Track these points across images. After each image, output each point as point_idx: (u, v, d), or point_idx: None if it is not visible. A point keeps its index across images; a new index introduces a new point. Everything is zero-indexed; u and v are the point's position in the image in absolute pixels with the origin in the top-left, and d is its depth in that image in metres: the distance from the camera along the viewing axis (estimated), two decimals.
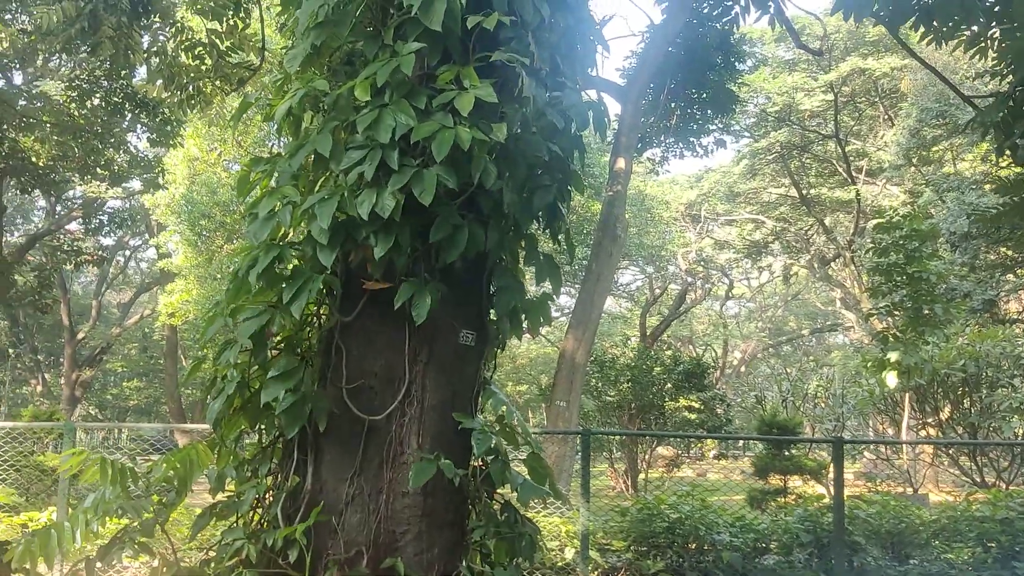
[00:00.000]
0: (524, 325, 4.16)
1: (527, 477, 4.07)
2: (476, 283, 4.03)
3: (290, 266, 3.95)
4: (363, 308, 3.87)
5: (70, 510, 6.57)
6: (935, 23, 6.91)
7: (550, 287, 4.20)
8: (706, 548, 7.93)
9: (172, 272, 22.25)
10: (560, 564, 7.25)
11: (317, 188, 4.00)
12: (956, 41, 7.08)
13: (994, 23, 6.81)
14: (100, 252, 26.21)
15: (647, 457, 18.47)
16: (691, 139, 17.44)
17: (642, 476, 17.99)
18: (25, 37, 12.85)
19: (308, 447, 3.89)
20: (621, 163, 11.81)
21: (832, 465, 8.17)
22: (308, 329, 4.06)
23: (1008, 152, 6.70)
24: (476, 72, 3.73)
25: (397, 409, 3.82)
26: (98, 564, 3.76)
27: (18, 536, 6.95)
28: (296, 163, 3.88)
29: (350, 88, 3.76)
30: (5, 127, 15.40)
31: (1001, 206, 8.71)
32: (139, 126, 16.23)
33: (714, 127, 17.96)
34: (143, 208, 24.11)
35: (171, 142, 16.16)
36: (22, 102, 16.04)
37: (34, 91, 16.41)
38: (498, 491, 4.16)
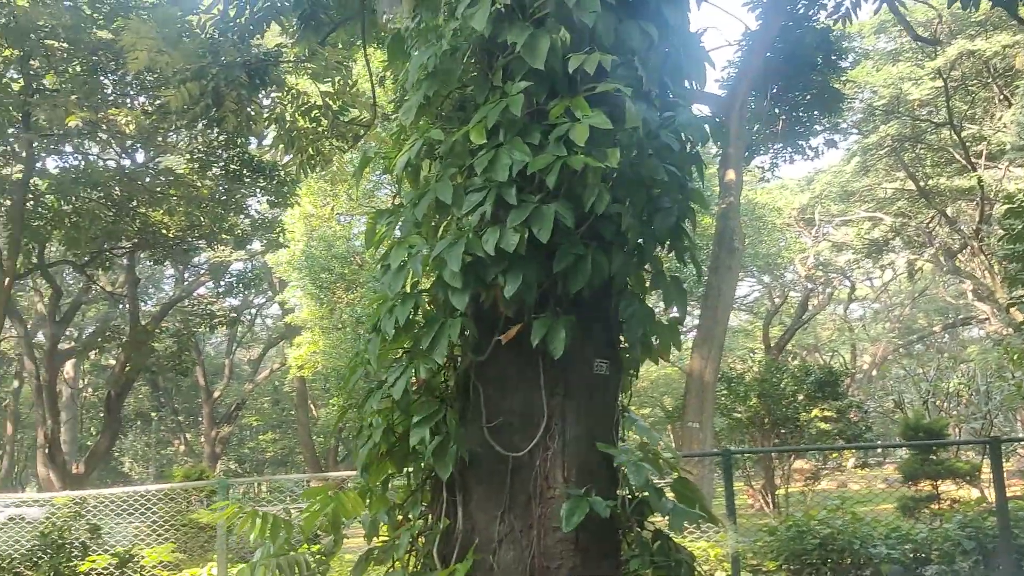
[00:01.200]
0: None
1: (676, 503, 4.00)
2: (604, 311, 4.02)
3: (421, 313, 4.04)
4: (495, 347, 3.92)
5: (229, 564, 6.87)
6: None
7: (677, 311, 4.17)
8: (862, 563, 7.63)
9: (297, 326, 23.07)
10: None
11: (440, 234, 4.09)
12: None
13: None
14: (230, 313, 27.41)
15: (784, 472, 17.93)
16: (800, 142, 17.04)
17: (780, 492, 17.46)
18: (147, 118, 13.68)
19: (456, 488, 3.94)
20: (731, 174, 11.63)
21: (989, 466, 7.74)
22: (445, 371, 4.13)
23: None
24: (586, 102, 3.76)
25: (539, 444, 3.83)
26: None
27: None
28: (420, 211, 3.98)
29: (464, 134, 3.84)
30: (135, 203, 16.41)
31: None
32: (257, 190, 17.00)
33: (822, 127, 17.49)
34: (265, 267, 25.13)
35: (288, 202, 16.86)
36: (147, 179, 17.01)
37: (159, 167, 17.41)
38: (648, 519, 4.12)
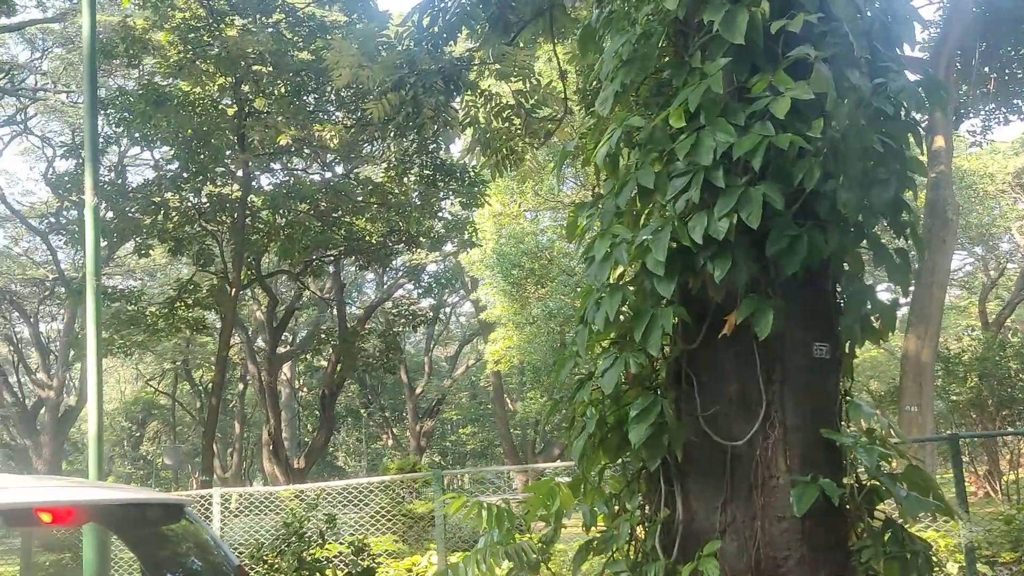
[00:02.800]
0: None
1: (909, 491, 3.78)
2: (822, 293, 3.86)
3: (629, 303, 4.02)
4: (707, 334, 3.84)
5: (447, 552, 7.15)
6: None
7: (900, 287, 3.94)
8: None
9: (491, 322, 23.67)
10: None
11: (643, 222, 4.06)
12: None
13: None
14: (428, 312, 28.56)
15: (1012, 457, 16.57)
16: (1014, 100, 15.64)
17: (1006, 478, 16.13)
18: (347, 131, 14.48)
19: (673, 478, 3.91)
20: (940, 141, 10.85)
21: None
22: (656, 361, 4.10)
23: None
24: (790, 75, 3.62)
25: (758, 432, 3.72)
26: None
27: None
28: (622, 200, 3.96)
29: (664, 118, 3.79)
30: (340, 213, 17.42)
31: None
32: (450, 193, 17.62)
33: None
34: (458, 266, 25.97)
35: (478, 202, 17.36)
36: (349, 189, 17.99)
37: (359, 177, 18.38)
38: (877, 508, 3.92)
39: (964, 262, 38.92)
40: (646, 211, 4.10)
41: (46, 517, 2.72)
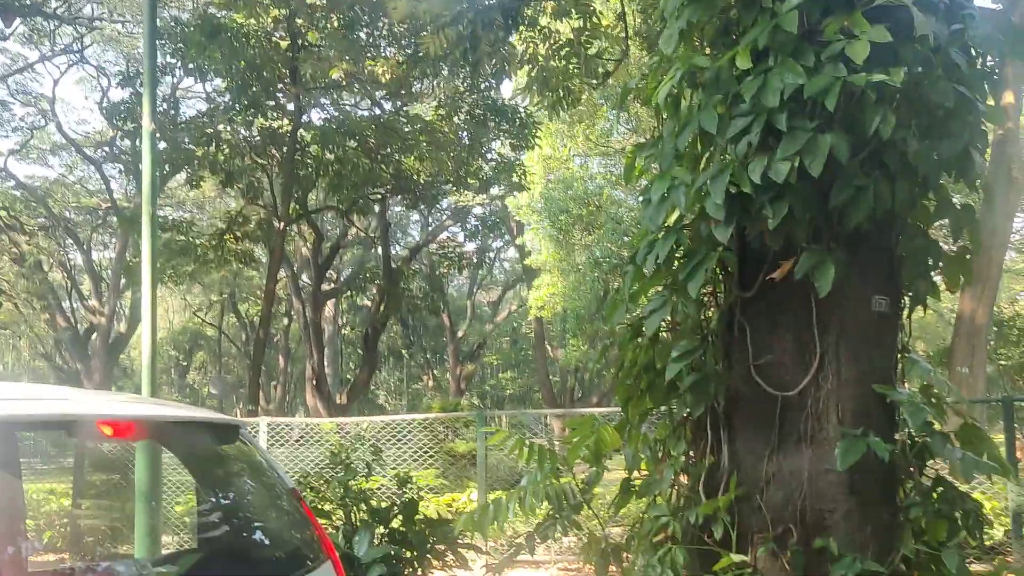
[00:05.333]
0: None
1: (963, 451, 3.71)
2: (884, 245, 3.76)
3: (683, 248, 3.96)
4: (762, 283, 3.77)
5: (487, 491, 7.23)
6: None
7: (968, 241, 3.82)
8: None
9: (536, 268, 23.62)
10: (989, 544, 6.58)
11: (703, 166, 3.97)
12: None
13: None
14: (473, 255, 28.60)
15: None
16: None
17: None
18: (400, 67, 14.36)
19: (720, 425, 3.88)
20: (1009, 96, 10.44)
21: None
22: (708, 308, 4.05)
23: None
24: (865, 18, 3.48)
25: (811, 384, 3.67)
26: (536, 540, 4.06)
27: (447, 514, 7.77)
28: (682, 143, 3.87)
29: (730, 59, 3.67)
30: (389, 150, 17.39)
31: None
32: (501, 133, 17.45)
33: None
34: (504, 210, 25.88)
35: (529, 144, 17.19)
36: (399, 127, 17.93)
37: (409, 115, 18.29)
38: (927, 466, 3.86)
39: (1022, 224, 37.91)
40: (706, 155, 4.00)
41: (107, 430, 2.76)
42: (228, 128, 17.22)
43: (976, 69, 3.76)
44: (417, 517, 5.89)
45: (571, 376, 32.14)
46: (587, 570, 6.35)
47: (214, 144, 16.73)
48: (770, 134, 3.50)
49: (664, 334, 4.05)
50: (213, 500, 3.35)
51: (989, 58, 3.97)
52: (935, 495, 3.74)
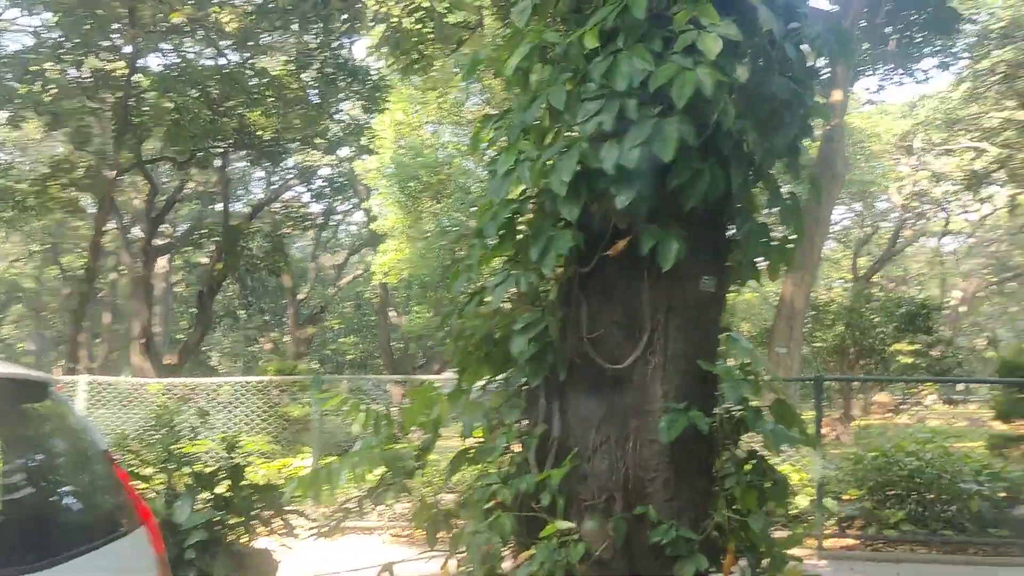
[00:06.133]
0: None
1: (775, 424, 3.96)
2: (716, 228, 3.94)
3: (526, 220, 4.01)
4: (600, 259, 3.87)
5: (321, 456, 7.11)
6: None
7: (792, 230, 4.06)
8: (949, 498, 7.50)
9: (382, 233, 23.34)
10: (794, 512, 7.08)
11: (549, 141, 4.02)
12: None
13: None
14: (317, 217, 27.93)
15: (865, 403, 17.69)
16: (910, 64, 16.20)
17: (856, 423, 17.24)
18: (247, 17, 13.74)
19: (553, 395, 3.97)
20: (838, 94, 11.15)
21: None
22: (547, 281, 4.12)
23: None
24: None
25: (640, 358, 3.81)
26: (369, 504, 4.04)
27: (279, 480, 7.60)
28: (530, 117, 3.90)
29: (579, 36, 3.72)
30: (233, 104, 16.66)
31: None
32: (351, 94, 17.03)
33: (934, 49, 16.56)
34: (352, 173, 25.38)
35: (380, 107, 16.89)
36: (244, 79, 17.17)
37: (255, 68, 17.55)
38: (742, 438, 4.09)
39: (842, 216, 40.71)
40: (554, 131, 4.05)
41: None
42: (56, 66, 15.98)
43: (808, 66, 3.98)
44: (244, 482, 5.73)
45: (413, 343, 32.12)
46: (418, 536, 6.42)
47: (39, 83, 15.49)
48: (619, 118, 3.58)
49: (503, 304, 4.10)
50: (17, 461, 3.13)
51: (821, 59, 4.21)
52: (748, 466, 3.97)
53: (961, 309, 41.25)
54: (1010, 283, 43.23)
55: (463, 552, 3.98)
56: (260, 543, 5.85)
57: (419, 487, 4.75)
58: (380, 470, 4.23)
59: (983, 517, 7.26)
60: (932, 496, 7.49)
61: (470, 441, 4.24)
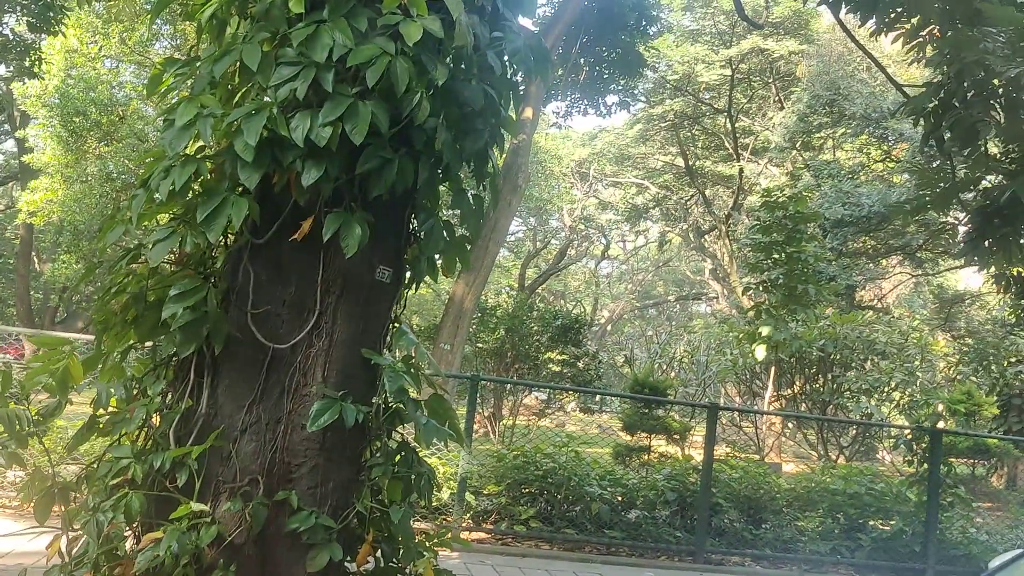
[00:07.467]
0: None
1: (429, 418, 4.03)
2: (398, 220, 3.93)
3: (202, 180, 3.73)
4: (276, 232, 3.71)
5: None
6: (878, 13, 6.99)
7: (470, 232, 4.17)
8: (576, 498, 8.16)
9: (36, 168, 20.84)
10: (435, 504, 7.30)
11: (237, 100, 3.78)
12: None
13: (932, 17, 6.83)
14: None
15: (514, 405, 18.79)
16: (596, 97, 17.56)
17: (504, 422, 18.29)
18: None
19: (205, 370, 3.73)
20: (529, 112, 11.76)
21: (705, 429, 8.51)
22: (215, 247, 3.87)
23: (933, 142, 6.78)
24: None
25: (304, 340, 3.71)
26: None
27: None
28: (219, 70, 3.63)
29: None
30: None
31: (916, 197, 8.81)
32: (18, 8, 14.95)
33: (619, 87, 18.11)
34: (8, 96, 22.39)
35: (52, 29, 15.00)
36: None
37: None
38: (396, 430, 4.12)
39: (517, 228, 43.22)
40: (243, 90, 3.81)
41: None
42: None
43: (506, 78, 4.10)
44: None
45: (56, 295, 29.06)
46: (28, 509, 5.74)
47: None
48: (313, 89, 3.45)
49: (163, 264, 3.78)
50: None
51: (519, 74, 4.36)
52: (398, 457, 4.00)
53: (607, 327, 45.54)
54: (651, 309, 48.54)
55: (78, 531, 3.61)
56: None
57: (38, 456, 4.24)
58: None
59: (601, 518, 7.99)
60: (560, 496, 8.12)
61: (104, 411, 3.86)
